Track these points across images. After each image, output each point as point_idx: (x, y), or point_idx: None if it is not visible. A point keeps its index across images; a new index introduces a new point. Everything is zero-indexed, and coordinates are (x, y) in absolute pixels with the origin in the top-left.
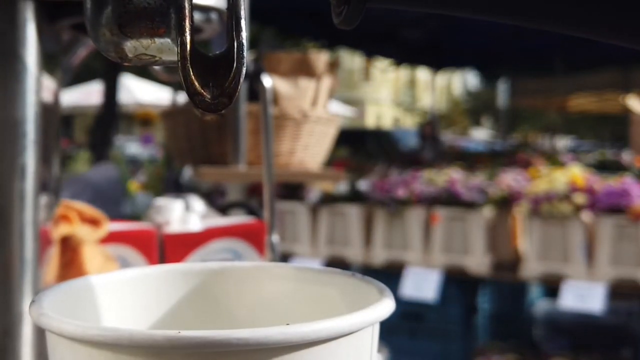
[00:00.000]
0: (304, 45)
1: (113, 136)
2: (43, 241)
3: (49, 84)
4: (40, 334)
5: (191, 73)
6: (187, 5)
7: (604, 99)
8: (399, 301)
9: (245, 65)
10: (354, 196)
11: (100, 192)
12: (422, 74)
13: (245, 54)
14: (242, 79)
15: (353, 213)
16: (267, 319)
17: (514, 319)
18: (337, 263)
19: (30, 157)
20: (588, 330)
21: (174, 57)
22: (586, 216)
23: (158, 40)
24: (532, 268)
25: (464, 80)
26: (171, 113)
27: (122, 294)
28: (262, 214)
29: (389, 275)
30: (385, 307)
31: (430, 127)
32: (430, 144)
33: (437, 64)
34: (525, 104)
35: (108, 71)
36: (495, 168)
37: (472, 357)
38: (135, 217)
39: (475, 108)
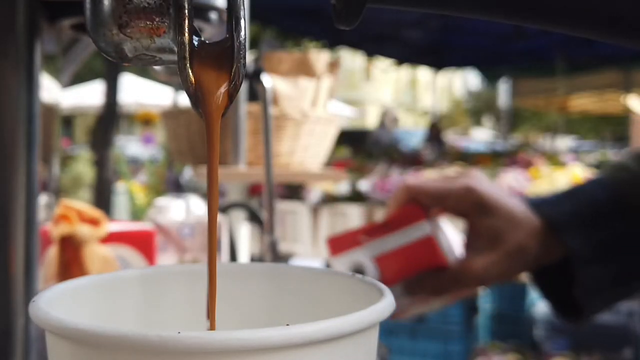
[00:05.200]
0: (305, 45)
1: (114, 136)
2: (43, 241)
3: (49, 84)
4: (40, 333)
5: (191, 73)
6: (187, 5)
7: (605, 99)
8: None
9: (245, 65)
10: (355, 196)
11: None
12: (423, 74)
13: (245, 54)
14: (242, 79)
15: (354, 213)
16: (267, 320)
17: (514, 319)
18: None
19: (30, 157)
20: (589, 330)
21: (173, 57)
22: None
23: (158, 40)
24: None
25: (465, 80)
26: (172, 113)
27: (122, 294)
28: (262, 214)
29: None
30: (385, 307)
31: (437, 128)
32: (435, 145)
33: (438, 64)
34: (526, 104)
35: (109, 71)
36: (496, 168)
37: (473, 357)
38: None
39: (476, 108)
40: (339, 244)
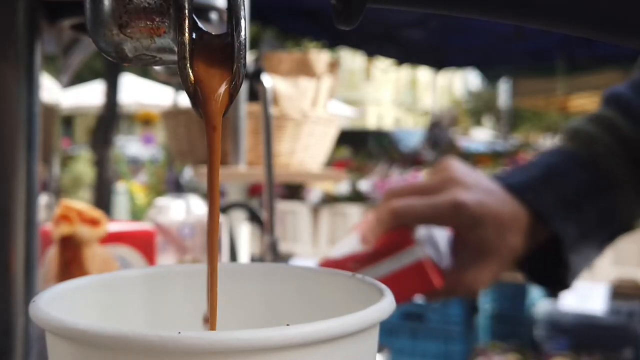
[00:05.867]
0: (305, 45)
1: (114, 136)
2: (43, 241)
3: (49, 84)
4: (40, 333)
5: (191, 73)
6: (187, 5)
7: None
8: None
9: (245, 65)
10: (355, 196)
11: None
12: (423, 74)
13: (245, 54)
14: (242, 79)
15: (354, 213)
16: (267, 320)
17: (515, 319)
18: None
19: (30, 157)
20: (589, 330)
21: (174, 57)
22: None
23: (158, 40)
24: None
25: (465, 80)
26: (172, 113)
27: (122, 294)
28: (262, 214)
29: None
30: (386, 307)
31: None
32: (434, 145)
33: (438, 63)
34: (526, 104)
35: (109, 71)
36: (496, 168)
37: (473, 357)
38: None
39: (477, 108)
40: None
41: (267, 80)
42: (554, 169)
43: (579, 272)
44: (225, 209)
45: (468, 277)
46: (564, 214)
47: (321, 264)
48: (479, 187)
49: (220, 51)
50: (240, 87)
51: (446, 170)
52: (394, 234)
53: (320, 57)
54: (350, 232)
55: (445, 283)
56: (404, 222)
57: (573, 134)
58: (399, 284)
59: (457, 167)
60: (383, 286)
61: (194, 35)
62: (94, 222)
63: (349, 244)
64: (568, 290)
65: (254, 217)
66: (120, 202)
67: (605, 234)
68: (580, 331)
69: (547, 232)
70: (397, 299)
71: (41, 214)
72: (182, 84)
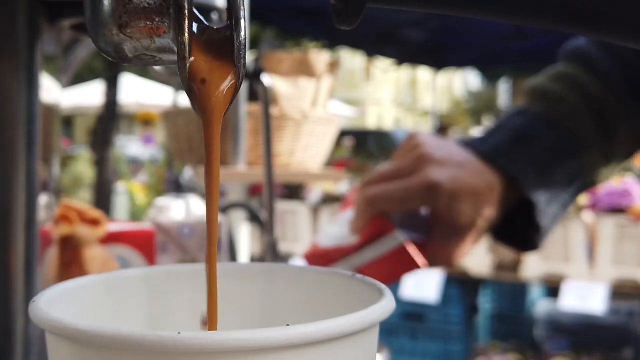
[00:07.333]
0: (305, 45)
1: (114, 136)
2: (43, 241)
3: (49, 84)
4: (40, 334)
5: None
6: (187, 5)
7: None
8: (399, 302)
9: (245, 65)
10: None
11: None
12: (423, 74)
13: (245, 54)
14: (242, 80)
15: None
16: (267, 320)
17: (515, 319)
18: None
19: (30, 157)
20: (589, 330)
21: (173, 58)
22: (587, 216)
23: (158, 41)
24: (533, 268)
25: (465, 80)
26: (172, 113)
27: (122, 294)
28: (262, 214)
29: None
30: (386, 307)
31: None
32: None
33: (438, 64)
34: None
35: (109, 71)
36: None
37: (473, 357)
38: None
39: (477, 108)
40: (316, 260)
41: (267, 80)
42: (523, 131)
43: (548, 233)
44: (225, 209)
45: (447, 250)
46: (536, 179)
47: (309, 253)
48: (451, 161)
49: (220, 51)
50: (240, 87)
51: (416, 148)
52: (375, 224)
53: (320, 57)
54: (338, 212)
55: (426, 257)
56: (381, 209)
57: (539, 93)
58: (384, 268)
59: (427, 142)
60: (383, 286)
61: (195, 30)
62: (94, 222)
63: (338, 229)
64: (537, 249)
65: (254, 217)
66: (120, 202)
67: (571, 194)
68: (580, 331)
69: (518, 196)
70: (384, 282)
71: (41, 214)
72: (182, 84)
